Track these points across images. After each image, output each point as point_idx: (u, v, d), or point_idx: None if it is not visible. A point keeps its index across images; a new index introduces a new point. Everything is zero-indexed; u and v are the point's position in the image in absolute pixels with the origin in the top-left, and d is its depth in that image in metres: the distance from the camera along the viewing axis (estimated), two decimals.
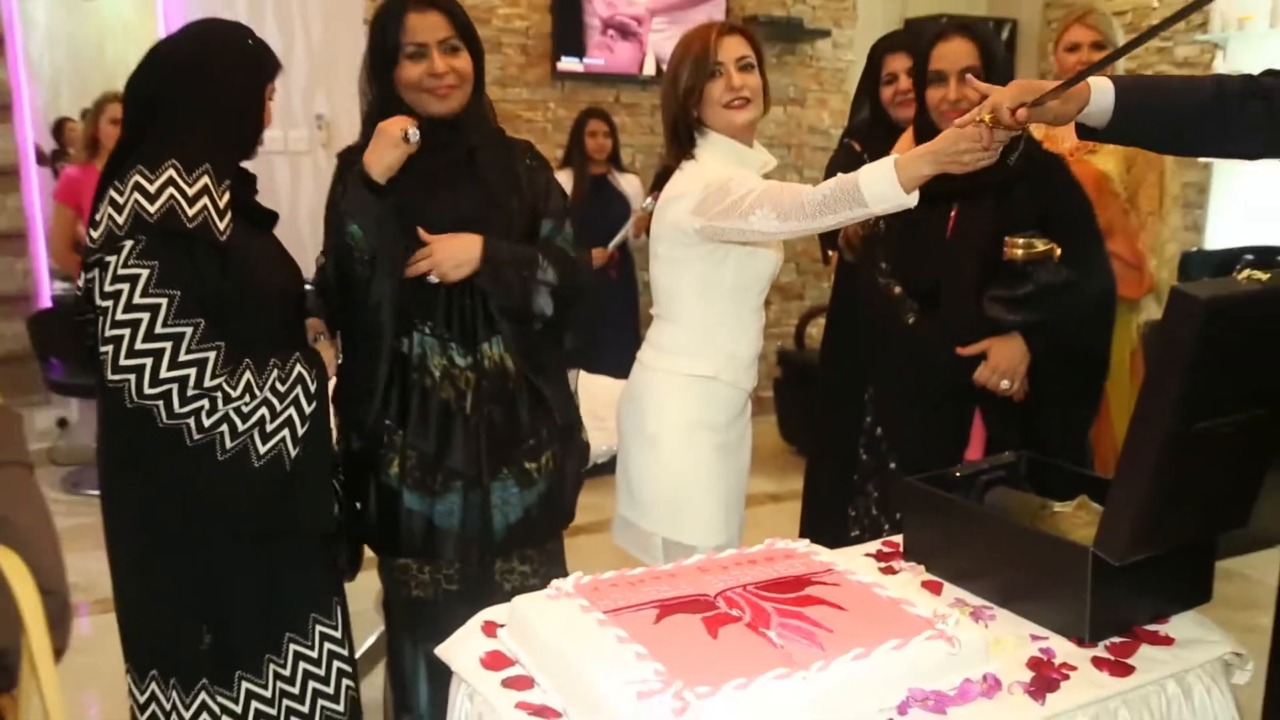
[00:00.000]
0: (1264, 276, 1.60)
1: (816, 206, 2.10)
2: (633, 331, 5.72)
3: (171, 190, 1.94)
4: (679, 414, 2.48)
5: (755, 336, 2.53)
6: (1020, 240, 2.39)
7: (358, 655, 3.19)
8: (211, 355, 1.94)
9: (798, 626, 1.60)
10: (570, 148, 5.51)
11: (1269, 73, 1.97)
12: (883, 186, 2.03)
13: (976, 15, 7.15)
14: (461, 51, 2.24)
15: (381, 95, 2.26)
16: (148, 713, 2.15)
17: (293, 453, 2.04)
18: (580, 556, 2.43)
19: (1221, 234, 5.94)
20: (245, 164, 2.22)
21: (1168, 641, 1.76)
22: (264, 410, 2.01)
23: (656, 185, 5.50)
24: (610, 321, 5.28)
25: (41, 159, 5.27)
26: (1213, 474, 1.73)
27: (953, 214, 2.54)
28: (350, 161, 2.24)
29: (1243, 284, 1.59)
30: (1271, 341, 1.67)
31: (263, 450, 2.01)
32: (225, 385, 1.96)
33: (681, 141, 2.44)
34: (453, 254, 2.19)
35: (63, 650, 0.89)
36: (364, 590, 3.73)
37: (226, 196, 2.03)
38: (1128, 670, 1.67)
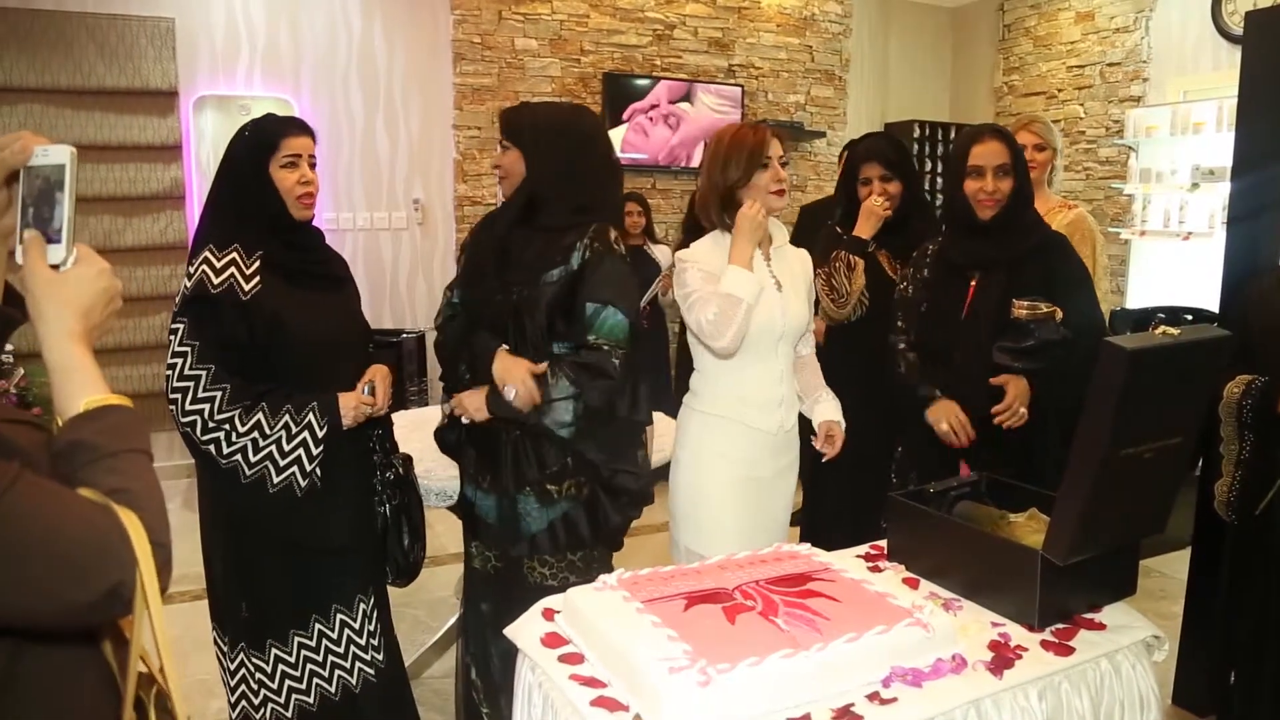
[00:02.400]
0: (1175, 332, 1.60)
1: (711, 324, 2.23)
2: (663, 374, 5.70)
3: (204, 267, 2.02)
4: (696, 443, 2.40)
5: (766, 383, 2.36)
6: (1025, 302, 2.32)
7: (443, 631, 3.21)
8: (218, 394, 1.99)
9: (801, 615, 1.58)
10: None
11: None
12: (738, 279, 2.21)
13: (941, 121, 7.15)
14: (509, 150, 2.20)
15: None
16: (221, 657, 2.24)
17: (302, 483, 2.05)
18: (620, 556, 2.40)
19: (1138, 296, 5.90)
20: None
21: (1101, 627, 1.74)
22: (273, 448, 2.03)
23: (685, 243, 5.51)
24: (642, 366, 5.28)
25: None
26: (1137, 491, 1.70)
27: (972, 285, 2.47)
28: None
29: (1159, 338, 1.59)
30: (1182, 383, 1.66)
31: (276, 479, 2.04)
32: (236, 421, 1.99)
33: (716, 216, 2.36)
34: (468, 403, 2.17)
35: (165, 589, 0.96)
36: (444, 582, 3.74)
37: (256, 264, 2.05)
38: (1069, 651, 1.65)
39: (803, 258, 2.51)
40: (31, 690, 0.96)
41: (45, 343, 1.00)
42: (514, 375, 2.09)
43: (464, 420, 2.21)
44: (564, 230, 2.16)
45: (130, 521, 0.92)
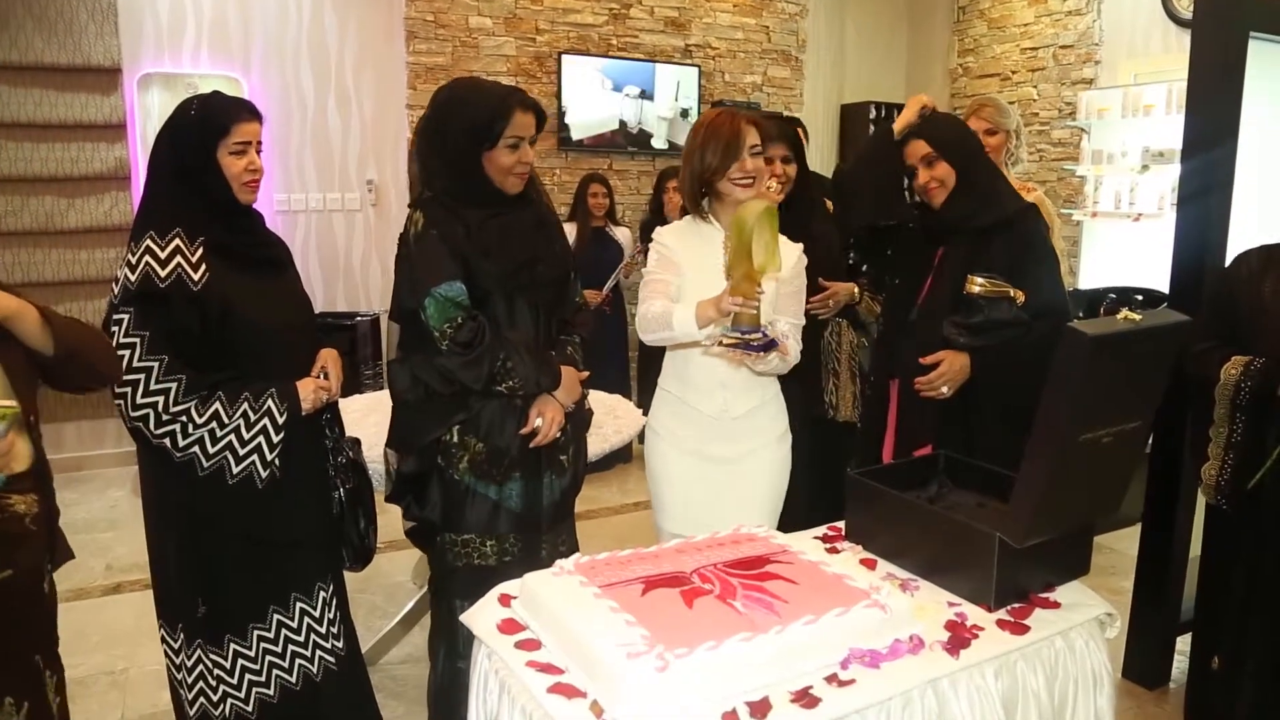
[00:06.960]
0: (1137, 317, 1.58)
1: (645, 321, 2.26)
2: (623, 356, 5.69)
3: (147, 258, 1.94)
4: (654, 420, 2.48)
5: (707, 365, 2.34)
6: (979, 278, 2.30)
7: (400, 616, 3.18)
8: (173, 386, 1.92)
9: (759, 598, 1.57)
10: (575, 205, 5.49)
11: None
12: (685, 325, 2.14)
13: (898, 103, 7.18)
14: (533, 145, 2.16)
15: (466, 168, 2.11)
16: (170, 656, 2.18)
17: (263, 474, 2.01)
18: (579, 540, 2.39)
19: (1090, 277, 5.98)
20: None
21: (1055, 605, 1.75)
22: (232, 437, 1.98)
23: (643, 235, 5.50)
24: (604, 348, 5.24)
25: None
26: (1094, 474, 1.71)
27: (939, 254, 2.47)
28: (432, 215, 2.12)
29: (1121, 323, 1.58)
30: (1142, 368, 1.66)
31: (235, 470, 1.99)
32: (193, 412, 1.94)
33: (691, 204, 2.36)
34: (555, 416, 2.16)
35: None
36: (401, 567, 3.72)
37: (200, 251, 1.97)
38: (1025, 629, 1.66)
39: (793, 258, 2.36)
40: None
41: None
42: (577, 388, 2.25)
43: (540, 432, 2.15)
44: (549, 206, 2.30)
45: None
